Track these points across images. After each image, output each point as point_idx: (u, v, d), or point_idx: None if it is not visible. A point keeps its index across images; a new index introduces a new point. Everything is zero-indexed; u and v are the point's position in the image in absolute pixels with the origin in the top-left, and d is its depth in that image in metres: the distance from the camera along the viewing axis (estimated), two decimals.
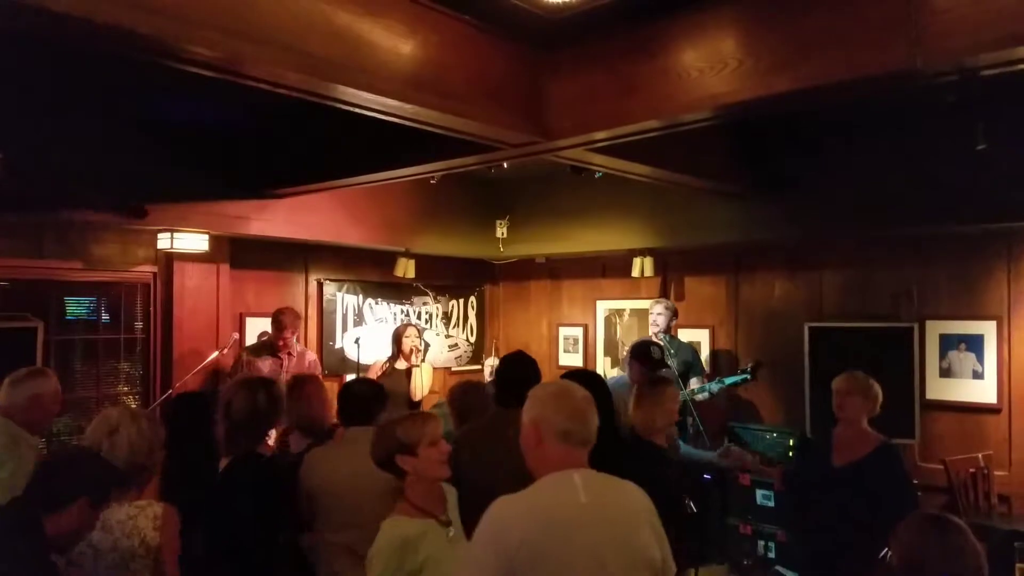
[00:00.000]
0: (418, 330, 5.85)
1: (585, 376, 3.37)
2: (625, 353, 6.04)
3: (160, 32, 2.43)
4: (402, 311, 7.22)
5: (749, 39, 3.00)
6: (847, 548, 3.35)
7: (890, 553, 2.15)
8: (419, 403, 5.52)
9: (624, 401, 3.99)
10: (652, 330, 5.75)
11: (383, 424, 2.71)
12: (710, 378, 5.79)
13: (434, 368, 6.70)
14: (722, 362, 6.40)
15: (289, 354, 5.51)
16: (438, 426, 2.59)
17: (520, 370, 3.32)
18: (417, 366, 5.57)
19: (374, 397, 3.21)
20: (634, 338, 6.09)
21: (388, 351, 5.84)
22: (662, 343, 5.36)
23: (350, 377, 5.81)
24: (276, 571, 2.93)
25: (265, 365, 5.36)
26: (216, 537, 2.85)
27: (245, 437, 2.97)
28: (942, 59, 2.60)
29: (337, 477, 2.94)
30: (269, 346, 5.52)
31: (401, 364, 5.63)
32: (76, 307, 5.38)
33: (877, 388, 3.63)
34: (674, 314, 5.85)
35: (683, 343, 5.96)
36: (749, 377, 5.48)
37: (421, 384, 5.56)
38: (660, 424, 3.45)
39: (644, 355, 4.79)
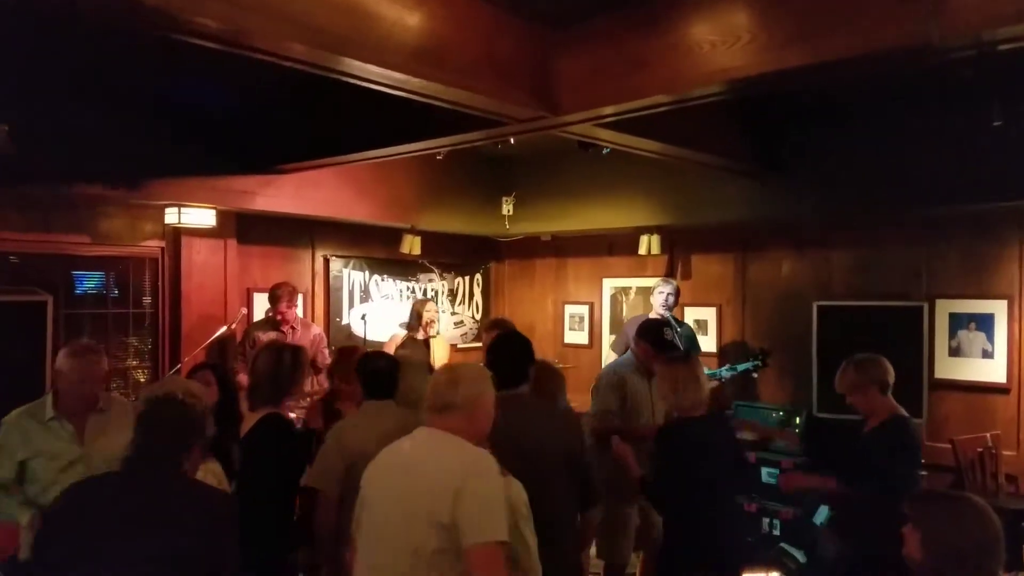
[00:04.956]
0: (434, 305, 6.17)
1: None
2: (626, 332, 5.99)
3: (166, 3, 2.41)
4: (408, 288, 7.23)
5: (763, 12, 2.94)
6: None
7: (909, 535, 2.03)
8: None
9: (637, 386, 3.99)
10: (658, 309, 5.66)
11: None
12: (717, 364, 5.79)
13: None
14: (728, 347, 6.37)
15: (292, 328, 5.57)
16: None
17: (509, 349, 3.25)
18: (434, 337, 5.82)
19: (391, 372, 3.28)
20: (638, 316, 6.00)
21: (404, 324, 6.11)
22: (671, 324, 5.20)
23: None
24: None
25: (269, 340, 5.39)
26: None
27: (267, 394, 3.16)
28: (960, 33, 2.54)
29: (369, 444, 2.98)
30: (271, 321, 5.59)
31: (420, 335, 5.79)
32: (85, 281, 5.40)
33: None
34: (677, 295, 5.74)
35: (684, 324, 5.89)
36: (760, 364, 5.46)
37: (441, 354, 5.79)
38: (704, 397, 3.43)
39: (658, 336, 4.35)
